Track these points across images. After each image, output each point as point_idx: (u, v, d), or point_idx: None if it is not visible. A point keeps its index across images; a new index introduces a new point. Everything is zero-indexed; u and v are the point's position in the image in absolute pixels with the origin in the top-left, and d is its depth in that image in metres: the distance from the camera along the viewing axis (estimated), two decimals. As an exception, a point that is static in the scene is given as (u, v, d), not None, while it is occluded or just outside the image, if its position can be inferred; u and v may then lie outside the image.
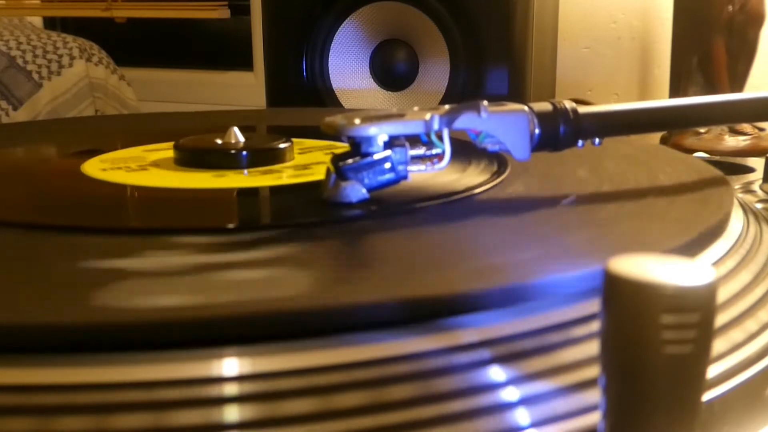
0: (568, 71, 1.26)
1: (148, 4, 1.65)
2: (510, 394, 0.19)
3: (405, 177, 0.30)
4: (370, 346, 0.19)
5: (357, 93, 1.00)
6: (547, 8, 1.06)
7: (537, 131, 0.30)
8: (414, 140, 0.30)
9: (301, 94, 0.99)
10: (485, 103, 0.29)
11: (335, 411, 0.18)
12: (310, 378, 0.18)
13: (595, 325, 0.19)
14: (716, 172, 0.35)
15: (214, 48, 1.72)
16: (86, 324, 0.19)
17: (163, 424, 0.17)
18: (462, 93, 0.93)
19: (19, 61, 1.24)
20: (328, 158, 0.31)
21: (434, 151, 0.30)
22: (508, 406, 0.19)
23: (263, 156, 0.38)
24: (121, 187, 0.35)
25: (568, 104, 0.31)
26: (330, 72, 0.99)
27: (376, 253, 0.26)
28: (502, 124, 0.30)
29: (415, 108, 0.30)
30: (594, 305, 0.19)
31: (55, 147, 0.46)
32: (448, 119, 0.29)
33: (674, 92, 1.03)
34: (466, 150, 0.35)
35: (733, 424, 0.21)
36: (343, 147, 0.32)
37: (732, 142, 0.90)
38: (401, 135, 0.29)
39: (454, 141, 0.29)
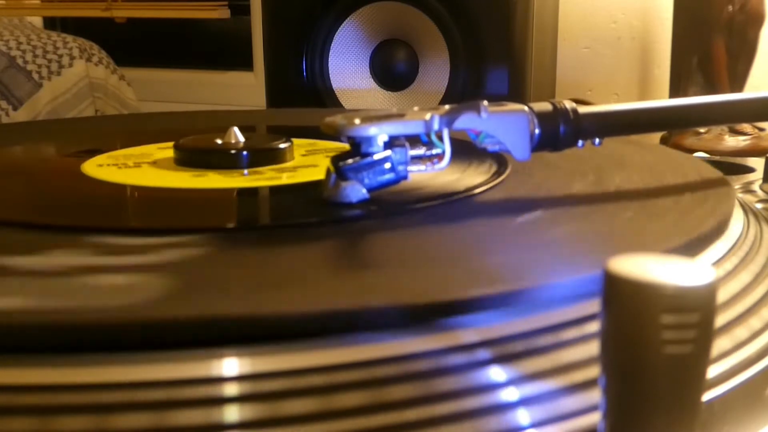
0: (568, 71, 1.26)
1: (148, 4, 1.65)
2: (510, 394, 0.19)
3: (405, 177, 0.30)
4: (370, 346, 0.19)
5: (357, 93, 1.00)
6: (547, 8, 1.06)
7: (537, 131, 0.30)
8: (414, 140, 0.30)
9: (301, 94, 0.99)
10: (485, 103, 0.29)
11: (335, 411, 0.18)
12: (310, 378, 0.18)
13: (594, 326, 0.19)
14: (717, 173, 0.35)
15: (214, 48, 1.72)
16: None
17: (163, 424, 0.17)
18: (462, 93, 0.93)
19: (19, 61, 1.24)
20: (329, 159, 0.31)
21: (434, 152, 0.30)
22: (508, 406, 0.19)
23: (263, 156, 0.38)
24: (120, 187, 0.35)
25: (568, 104, 0.31)
26: (330, 72, 0.99)
27: (376, 254, 0.26)
28: (502, 124, 0.30)
29: (415, 108, 0.30)
30: (594, 305, 0.19)
31: (55, 147, 0.46)
32: (448, 119, 0.29)
33: (674, 92, 1.03)
34: (466, 150, 0.35)
35: (733, 424, 0.21)
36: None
37: (732, 142, 0.90)
38: (401, 135, 0.29)
39: (454, 141, 0.29)
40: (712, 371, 0.21)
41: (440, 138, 0.29)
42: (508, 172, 0.35)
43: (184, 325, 0.19)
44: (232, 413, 0.18)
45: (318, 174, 0.33)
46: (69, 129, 0.56)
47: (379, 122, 0.28)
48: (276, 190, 0.34)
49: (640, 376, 0.15)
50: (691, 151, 0.87)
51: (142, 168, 0.38)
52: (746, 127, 0.90)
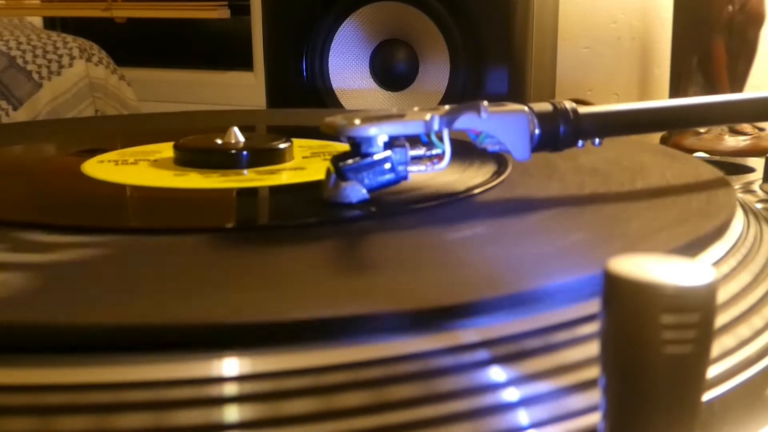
0: (568, 71, 1.26)
1: (148, 4, 1.65)
2: (511, 394, 0.19)
3: (405, 177, 0.30)
4: (372, 346, 0.19)
5: (357, 93, 1.00)
6: (547, 8, 1.06)
7: (537, 131, 0.30)
8: (414, 141, 0.30)
9: (301, 94, 0.99)
10: (485, 103, 0.29)
11: (337, 411, 0.18)
12: (311, 378, 0.18)
13: (595, 326, 0.19)
14: (717, 173, 0.35)
15: (214, 48, 1.72)
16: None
17: (164, 424, 0.17)
18: (462, 93, 0.93)
19: (19, 61, 1.24)
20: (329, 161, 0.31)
21: (434, 152, 0.30)
22: (509, 406, 0.19)
23: (263, 156, 0.38)
24: (120, 188, 0.35)
25: (568, 104, 0.31)
26: (330, 72, 0.99)
27: (376, 255, 0.26)
28: (502, 124, 0.30)
29: (415, 108, 0.30)
30: (594, 306, 0.19)
31: (55, 147, 0.46)
32: (448, 120, 0.29)
33: (674, 92, 1.03)
34: (466, 150, 0.35)
35: (733, 424, 0.21)
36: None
37: (732, 142, 0.90)
38: (401, 135, 0.29)
39: (454, 141, 0.29)
40: (712, 371, 0.21)
41: (440, 138, 0.29)
42: (508, 172, 0.35)
43: (183, 329, 0.19)
44: (231, 413, 0.18)
45: (318, 174, 0.33)
46: (69, 129, 0.56)
47: (379, 122, 0.29)
48: (276, 190, 0.34)
49: (640, 376, 0.15)
50: (691, 151, 0.87)
51: (142, 168, 0.38)
52: (746, 127, 0.90)
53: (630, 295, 0.14)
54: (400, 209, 0.30)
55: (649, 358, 0.14)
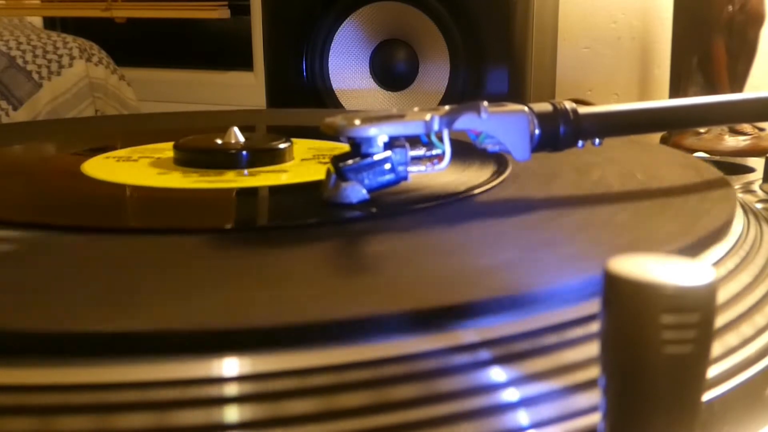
0: (568, 71, 1.26)
1: (148, 4, 1.65)
2: (510, 394, 0.19)
3: (405, 178, 0.30)
4: (372, 346, 0.19)
5: (357, 93, 1.00)
6: (547, 8, 1.06)
7: (537, 132, 0.30)
8: (414, 141, 0.30)
9: (301, 94, 0.99)
10: (485, 103, 0.29)
11: (336, 411, 0.18)
12: (311, 378, 0.18)
13: (595, 326, 0.19)
14: (717, 173, 0.35)
15: (214, 48, 1.72)
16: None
17: (164, 424, 0.17)
18: (462, 93, 0.93)
19: (19, 61, 1.24)
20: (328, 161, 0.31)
21: (434, 152, 0.30)
22: (509, 406, 0.19)
23: (263, 156, 0.38)
24: (120, 188, 0.35)
25: (568, 104, 0.31)
26: (330, 72, 0.99)
27: (376, 255, 0.26)
28: (502, 124, 0.30)
29: (415, 108, 0.30)
30: (594, 306, 0.19)
31: (55, 147, 0.46)
32: (448, 120, 0.29)
33: (674, 92, 1.03)
34: (466, 150, 0.35)
35: (733, 424, 0.21)
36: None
37: (732, 142, 0.90)
38: (401, 136, 0.29)
39: (454, 142, 0.29)
40: (712, 371, 0.21)
41: (440, 138, 0.29)
42: (508, 172, 0.35)
43: (183, 330, 0.19)
44: (232, 414, 0.18)
45: (318, 174, 0.33)
46: (69, 129, 0.56)
47: (379, 123, 0.29)
48: (276, 191, 0.34)
49: (640, 376, 0.15)
50: (691, 151, 0.87)
51: (142, 168, 0.38)
52: (746, 127, 0.90)
53: (630, 295, 0.14)
54: (401, 209, 0.30)
55: (649, 358, 0.14)
